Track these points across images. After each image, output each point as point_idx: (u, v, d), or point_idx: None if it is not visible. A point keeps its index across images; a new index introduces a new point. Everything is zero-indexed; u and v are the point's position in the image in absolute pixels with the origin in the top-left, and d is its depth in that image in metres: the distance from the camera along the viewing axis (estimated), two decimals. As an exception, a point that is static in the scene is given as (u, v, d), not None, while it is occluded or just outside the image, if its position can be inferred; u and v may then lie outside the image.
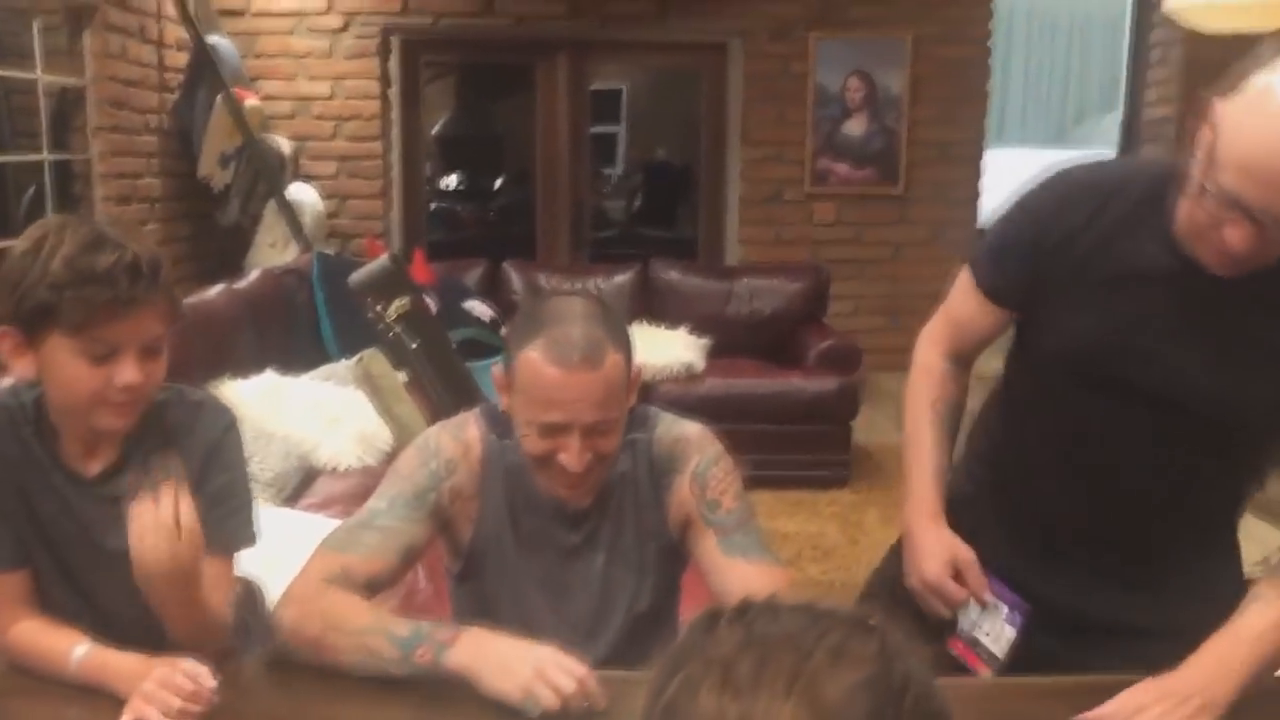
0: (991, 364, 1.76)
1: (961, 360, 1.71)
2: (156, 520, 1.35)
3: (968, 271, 1.65)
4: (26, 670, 1.48)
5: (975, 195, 6.26)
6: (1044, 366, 1.59)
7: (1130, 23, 6.69)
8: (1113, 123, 7.12)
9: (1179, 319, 1.44)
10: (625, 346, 1.55)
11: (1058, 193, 1.55)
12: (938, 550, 1.56)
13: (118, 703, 1.37)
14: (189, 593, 1.42)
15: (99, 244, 1.38)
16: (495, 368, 1.62)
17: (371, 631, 1.44)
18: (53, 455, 1.51)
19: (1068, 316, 1.52)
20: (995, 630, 1.53)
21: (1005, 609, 1.53)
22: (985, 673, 1.50)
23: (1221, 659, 1.37)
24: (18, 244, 1.42)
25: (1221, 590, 1.53)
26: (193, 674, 1.36)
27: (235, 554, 1.60)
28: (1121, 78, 6.89)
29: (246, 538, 1.60)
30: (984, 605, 1.54)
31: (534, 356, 1.49)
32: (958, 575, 1.55)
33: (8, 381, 1.57)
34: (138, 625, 1.51)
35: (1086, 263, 1.49)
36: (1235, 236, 1.29)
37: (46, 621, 1.50)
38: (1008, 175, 8.65)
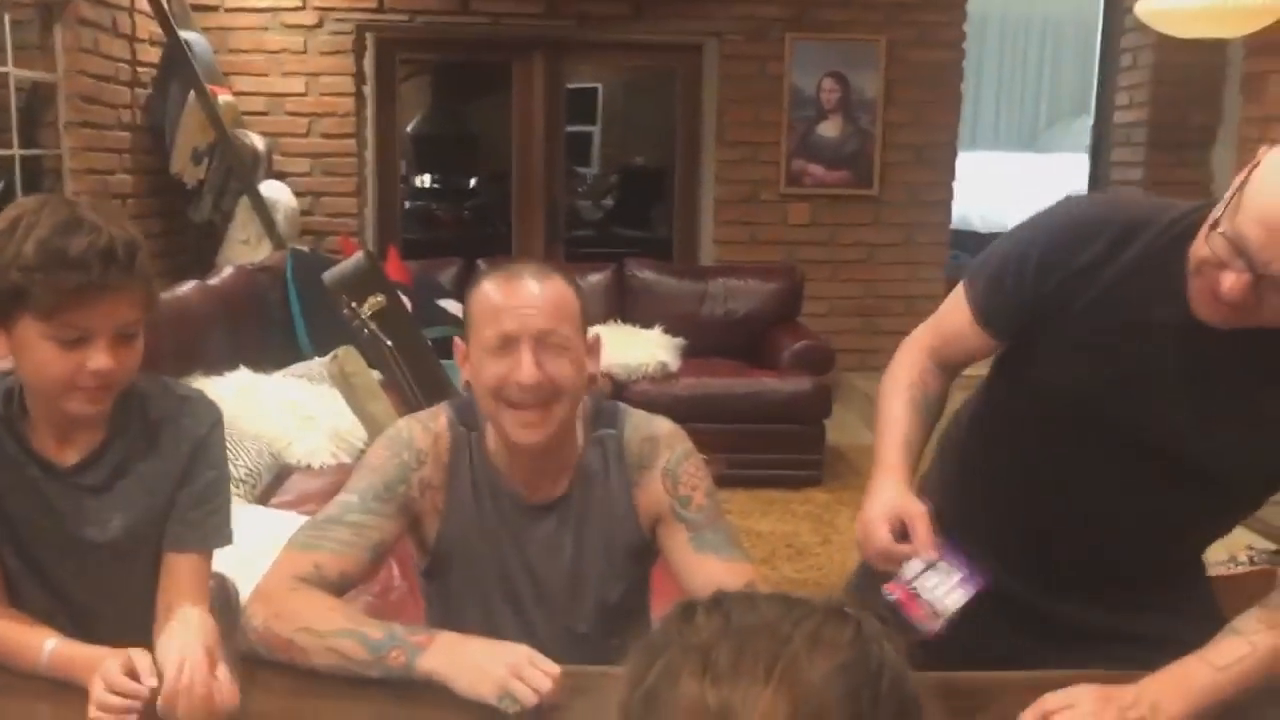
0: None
1: (944, 367, 1.65)
2: (191, 695, 1.29)
3: (963, 287, 1.60)
4: (5, 668, 1.45)
5: (948, 198, 6.30)
6: (1026, 397, 1.58)
7: (1101, 27, 6.75)
8: (1084, 127, 7.19)
9: (1179, 374, 1.43)
10: (576, 288, 1.59)
11: (1075, 225, 1.50)
12: (884, 500, 1.48)
13: (87, 697, 1.36)
14: None
15: (74, 226, 1.35)
16: (456, 340, 1.63)
17: (343, 634, 1.43)
18: (25, 447, 1.48)
19: (1062, 353, 1.50)
20: (943, 589, 1.43)
21: (960, 573, 1.43)
22: (926, 626, 1.41)
23: (1181, 679, 1.36)
24: None
25: (1188, 606, 1.56)
26: (130, 669, 1.33)
27: (213, 551, 1.59)
28: (1093, 82, 6.95)
29: (225, 536, 1.59)
30: (931, 562, 1.44)
31: (484, 286, 1.56)
32: (906, 532, 1.47)
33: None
34: (113, 618, 1.51)
35: (1094, 303, 1.46)
36: (1229, 282, 1.29)
37: (17, 617, 1.47)
38: (980, 178, 8.74)
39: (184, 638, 1.37)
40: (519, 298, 1.52)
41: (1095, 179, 6.95)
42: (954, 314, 1.60)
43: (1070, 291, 1.46)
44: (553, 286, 1.54)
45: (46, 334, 1.36)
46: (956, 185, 6.33)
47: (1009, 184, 8.99)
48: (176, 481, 1.54)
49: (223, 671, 1.31)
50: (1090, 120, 7.02)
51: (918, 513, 1.46)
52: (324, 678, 1.44)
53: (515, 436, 1.54)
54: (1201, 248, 1.33)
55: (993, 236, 6.86)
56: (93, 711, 1.30)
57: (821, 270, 6.10)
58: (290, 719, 1.44)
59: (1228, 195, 1.32)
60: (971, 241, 8.33)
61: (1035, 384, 1.55)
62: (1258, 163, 1.29)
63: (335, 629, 1.43)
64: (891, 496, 1.48)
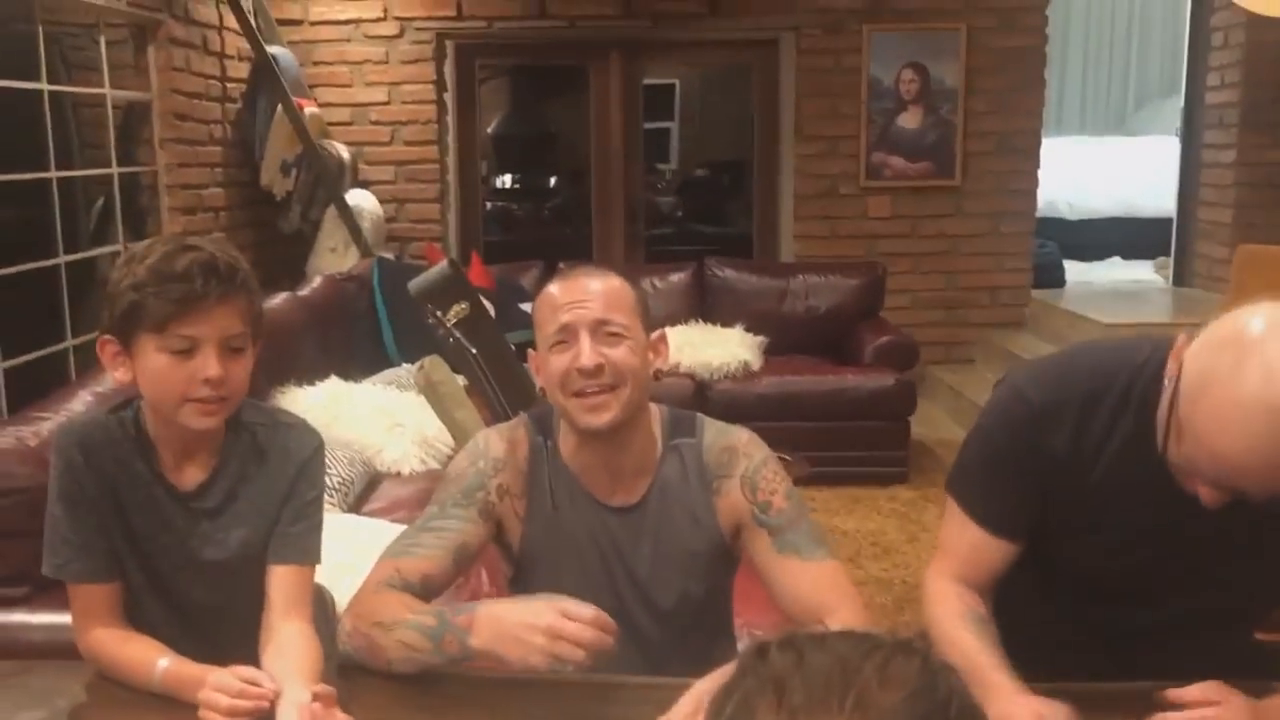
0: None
1: (977, 588, 1.56)
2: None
3: (958, 509, 1.57)
4: (114, 679, 1.54)
5: (1033, 186, 6.20)
6: (1059, 576, 1.59)
7: (1190, 6, 6.57)
8: (1174, 109, 7.00)
9: (1201, 527, 1.41)
10: (635, 286, 1.66)
11: (1032, 415, 1.50)
12: (1025, 707, 1.35)
13: (196, 714, 1.43)
14: None
15: (181, 249, 1.49)
16: (530, 352, 1.69)
17: (406, 626, 1.48)
18: (152, 469, 1.59)
19: (1081, 539, 1.53)
20: None
21: None
22: None
23: None
24: (118, 262, 1.53)
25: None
26: (248, 678, 1.41)
27: (313, 566, 1.66)
28: (1182, 62, 6.77)
29: (318, 554, 1.67)
30: None
31: (545, 290, 1.65)
32: None
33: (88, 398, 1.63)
34: (227, 628, 1.60)
35: (1086, 489, 1.48)
36: (1208, 496, 1.32)
37: (135, 633, 1.57)
38: (1066, 164, 8.59)
39: (297, 674, 1.43)
40: (575, 292, 1.60)
41: (1187, 162, 6.77)
42: (964, 536, 1.57)
43: (1057, 476, 1.49)
44: (607, 281, 1.62)
45: (160, 346, 1.48)
46: (1042, 173, 6.22)
47: (1097, 169, 8.80)
48: (282, 500, 1.63)
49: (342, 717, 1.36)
50: (1180, 102, 6.84)
51: (1065, 713, 1.36)
52: (417, 689, 1.49)
53: (582, 421, 1.59)
54: (1174, 455, 1.35)
55: (1083, 224, 6.76)
56: (212, 718, 1.38)
57: (903, 263, 6.04)
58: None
59: (1162, 410, 1.35)
60: (1060, 229, 8.19)
61: (1066, 567, 1.57)
62: (1178, 373, 1.31)
63: (399, 620, 1.49)
64: (1029, 702, 1.36)
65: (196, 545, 1.61)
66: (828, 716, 0.65)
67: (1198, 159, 6.64)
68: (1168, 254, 7.17)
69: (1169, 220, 7.09)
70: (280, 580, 1.61)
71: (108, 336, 1.52)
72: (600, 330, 1.58)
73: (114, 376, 1.55)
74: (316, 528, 1.66)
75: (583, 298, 1.59)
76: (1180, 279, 6.89)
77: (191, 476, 1.61)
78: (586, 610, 1.39)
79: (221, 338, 1.50)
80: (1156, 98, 9.87)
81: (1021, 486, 1.51)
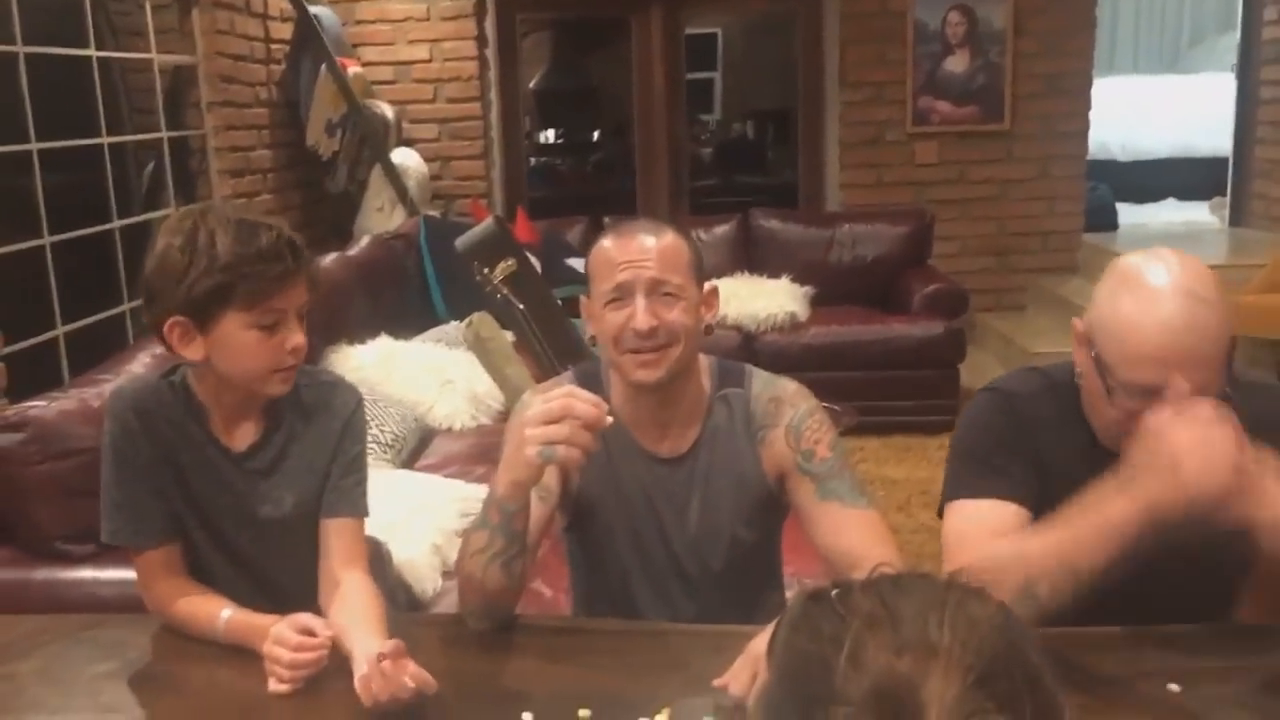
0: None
1: None
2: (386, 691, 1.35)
3: (967, 498, 1.55)
4: (182, 634, 1.60)
5: (1084, 128, 6.08)
6: None
7: (1248, -62, 6.38)
8: (1229, 45, 6.83)
9: None
10: (689, 241, 1.67)
11: (1009, 399, 1.59)
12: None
13: (261, 664, 1.48)
14: None
15: (250, 227, 1.53)
16: (583, 299, 1.71)
17: (469, 539, 1.54)
18: (205, 432, 1.64)
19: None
20: None
21: None
22: None
23: None
24: (163, 243, 1.53)
25: None
26: (305, 626, 1.46)
27: (367, 514, 1.71)
28: (1239, -3, 6.59)
29: (366, 508, 1.71)
30: None
31: (601, 244, 1.65)
32: None
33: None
34: (288, 581, 1.65)
35: (1050, 487, 1.50)
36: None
37: (199, 588, 1.63)
38: (1119, 105, 8.38)
39: (364, 624, 1.48)
40: (632, 251, 1.61)
41: (1243, 99, 6.61)
42: (985, 521, 1.52)
43: (1035, 472, 1.52)
44: (664, 239, 1.63)
45: (250, 323, 1.53)
46: (1093, 114, 6.10)
47: (1151, 109, 8.60)
48: (331, 457, 1.68)
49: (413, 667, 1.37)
50: (1237, 37, 6.67)
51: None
52: (476, 637, 1.53)
53: (634, 376, 1.62)
54: (1113, 413, 1.42)
55: (1136, 165, 6.61)
56: (279, 671, 1.43)
57: (951, 210, 5.97)
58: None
59: (1085, 372, 1.46)
60: (1112, 171, 8.03)
61: None
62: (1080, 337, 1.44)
63: (465, 544, 1.55)
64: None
65: (253, 505, 1.66)
66: (938, 637, 0.68)
67: (1254, 96, 6.48)
68: (1224, 194, 7.02)
69: (1225, 160, 6.93)
70: (336, 533, 1.66)
71: (177, 318, 1.53)
72: (656, 291, 1.59)
73: (183, 355, 1.56)
74: (364, 481, 1.71)
75: (640, 257, 1.60)
76: (1237, 219, 6.75)
77: (242, 438, 1.66)
78: (557, 390, 1.44)
79: (298, 307, 1.57)
80: (1212, 34, 9.60)
81: (1021, 460, 1.53)
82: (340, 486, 1.67)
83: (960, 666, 0.66)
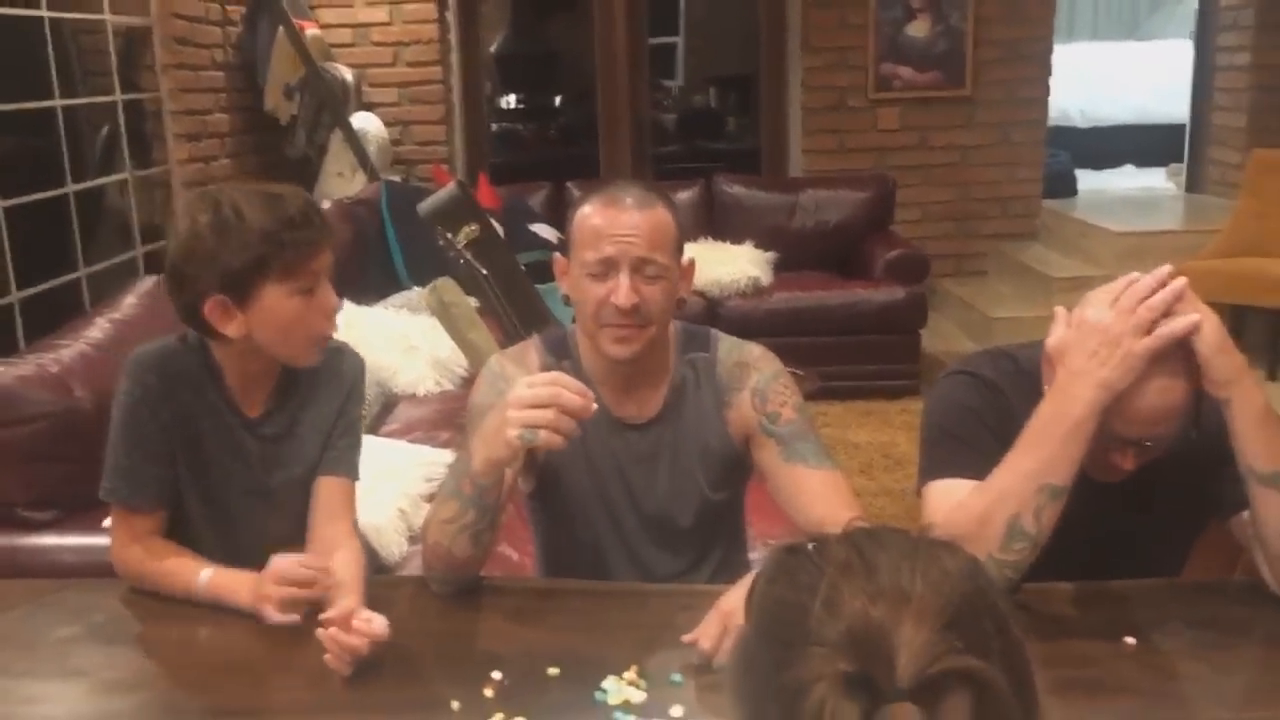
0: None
1: None
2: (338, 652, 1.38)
3: (950, 477, 1.54)
4: (154, 595, 1.59)
5: (1045, 94, 6.12)
6: None
7: (1206, -95, 6.42)
8: (1188, 12, 6.88)
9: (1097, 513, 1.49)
10: (675, 214, 1.66)
11: (979, 381, 1.60)
12: None
13: (242, 620, 1.49)
14: None
15: (275, 197, 1.54)
16: (556, 255, 1.71)
17: (439, 506, 1.54)
18: (224, 397, 1.64)
19: None
20: None
21: None
22: None
23: None
24: (186, 225, 1.53)
25: None
26: (305, 562, 1.49)
27: (355, 479, 1.73)
28: (1197, -36, 6.64)
29: (359, 472, 1.73)
30: None
31: (587, 209, 1.63)
32: None
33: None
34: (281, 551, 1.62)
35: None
36: (1126, 461, 1.43)
37: (176, 549, 1.62)
38: (1079, 71, 8.44)
39: (343, 583, 1.52)
40: (621, 225, 1.59)
41: (1200, 66, 6.67)
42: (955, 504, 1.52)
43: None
44: (653, 215, 1.60)
45: (290, 291, 1.54)
46: (1053, 81, 6.13)
47: (1110, 76, 8.67)
48: (334, 420, 1.71)
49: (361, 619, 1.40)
50: (1195, 4, 6.72)
51: None
52: (447, 601, 1.53)
53: (609, 350, 1.62)
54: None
55: (1094, 131, 6.70)
56: (275, 603, 1.47)
57: (913, 176, 6.00)
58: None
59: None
60: (1072, 138, 8.10)
61: None
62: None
63: (435, 510, 1.55)
64: None
65: (264, 470, 1.67)
66: (912, 585, 0.70)
67: (1211, 62, 6.54)
68: (1180, 160, 7.10)
69: (1182, 126, 7.01)
70: (327, 491, 1.68)
71: (216, 296, 1.52)
72: (641, 268, 1.59)
73: (224, 333, 1.55)
74: (358, 444, 1.73)
75: (629, 232, 1.58)
76: (1193, 185, 6.84)
77: (257, 404, 1.67)
78: (544, 377, 1.44)
79: (328, 269, 1.59)
80: (1170, 1, 9.67)
81: (999, 444, 1.50)
82: (338, 445, 1.70)
83: (932, 612, 0.68)
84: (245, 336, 1.56)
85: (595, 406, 1.42)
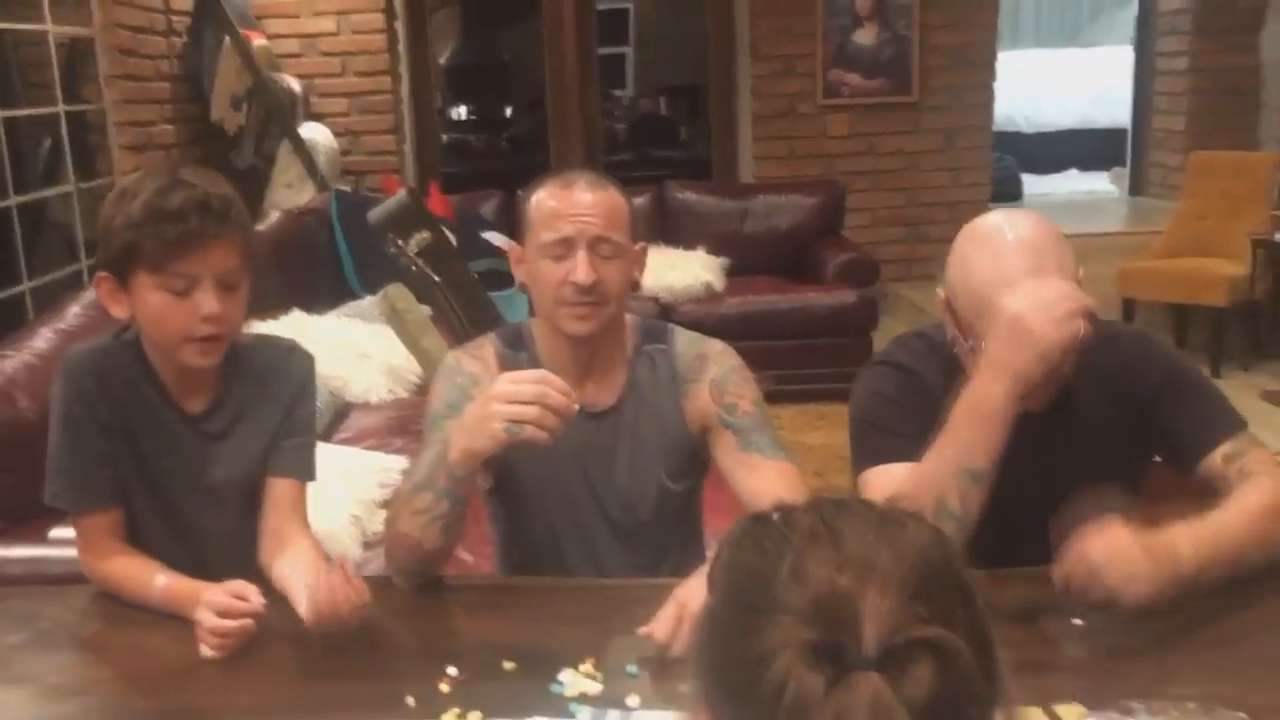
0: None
1: None
2: (332, 600, 1.39)
3: (883, 469, 1.59)
4: (116, 599, 1.57)
5: (989, 100, 6.21)
6: None
7: (1143, -86, 6.55)
8: (1128, 18, 7.02)
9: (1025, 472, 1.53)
10: (627, 197, 1.68)
11: (899, 368, 1.66)
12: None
13: (193, 629, 1.46)
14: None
15: (173, 186, 1.49)
16: (511, 245, 1.73)
17: (408, 498, 1.53)
18: (160, 393, 1.61)
19: None
20: None
21: None
22: None
23: (1196, 524, 1.44)
24: (109, 196, 1.52)
25: None
26: (237, 592, 1.45)
27: (309, 480, 1.70)
28: (1135, -29, 6.77)
29: (313, 472, 1.70)
30: None
31: (542, 194, 1.65)
32: None
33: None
34: (231, 559, 1.61)
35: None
36: None
37: (134, 554, 1.60)
38: (1022, 78, 8.57)
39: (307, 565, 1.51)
40: (576, 205, 1.62)
41: (1140, 71, 6.80)
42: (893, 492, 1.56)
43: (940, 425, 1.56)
44: (607, 195, 1.64)
45: (158, 285, 1.49)
46: (997, 87, 6.22)
47: (1053, 82, 8.81)
48: (282, 416, 1.67)
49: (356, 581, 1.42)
50: (1135, 10, 6.85)
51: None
52: (395, 597, 1.53)
53: (569, 328, 1.64)
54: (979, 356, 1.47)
55: (1039, 136, 6.81)
56: (207, 638, 1.42)
57: (862, 181, 6.06)
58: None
59: (959, 332, 1.54)
60: (1017, 142, 8.22)
61: None
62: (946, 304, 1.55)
63: (402, 503, 1.54)
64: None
65: (203, 468, 1.64)
66: (878, 554, 0.70)
67: (1152, 67, 6.68)
68: (1123, 164, 7.23)
69: (1124, 130, 7.14)
70: (276, 491, 1.66)
71: (104, 273, 1.52)
72: (597, 247, 1.61)
73: (113, 312, 1.55)
74: (310, 445, 1.70)
75: (585, 211, 1.61)
76: (1136, 188, 6.97)
77: (196, 401, 1.63)
78: (530, 374, 1.44)
79: (218, 274, 1.51)
80: (1111, 7, 9.85)
81: (924, 426, 1.54)
82: (284, 446, 1.66)
83: (897, 582, 0.68)
84: (131, 319, 1.54)
85: (578, 407, 1.42)
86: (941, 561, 0.72)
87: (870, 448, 1.63)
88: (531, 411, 1.38)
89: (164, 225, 1.46)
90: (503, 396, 1.40)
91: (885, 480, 1.57)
